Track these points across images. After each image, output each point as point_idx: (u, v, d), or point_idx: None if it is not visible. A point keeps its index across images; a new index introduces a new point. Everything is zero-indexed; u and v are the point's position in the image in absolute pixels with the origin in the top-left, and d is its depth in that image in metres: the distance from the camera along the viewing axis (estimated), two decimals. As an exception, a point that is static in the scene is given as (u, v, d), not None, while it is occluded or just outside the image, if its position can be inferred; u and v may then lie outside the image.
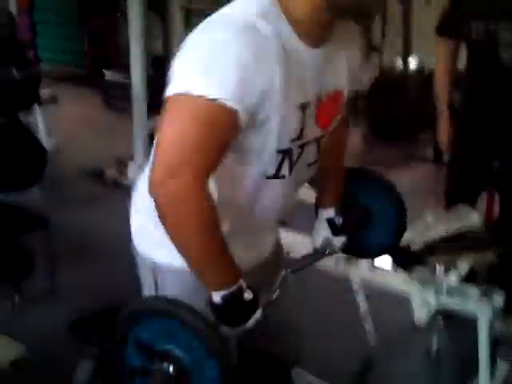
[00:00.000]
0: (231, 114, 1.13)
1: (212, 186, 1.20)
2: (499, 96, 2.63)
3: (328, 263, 2.39)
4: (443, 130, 2.91)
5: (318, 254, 1.61)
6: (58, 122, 5.32)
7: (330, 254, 1.60)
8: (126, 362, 1.21)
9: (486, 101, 2.70)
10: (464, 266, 2.12)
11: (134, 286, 1.57)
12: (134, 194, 1.52)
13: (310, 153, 1.36)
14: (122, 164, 4.68)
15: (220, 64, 1.12)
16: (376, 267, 2.31)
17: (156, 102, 1.37)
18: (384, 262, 2.29)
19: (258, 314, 1.25)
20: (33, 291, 2.95)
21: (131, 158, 4.61)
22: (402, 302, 2.26)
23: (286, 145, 1.27)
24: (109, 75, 7.24)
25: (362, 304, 2.36)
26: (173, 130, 1.15)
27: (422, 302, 2.18)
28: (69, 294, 3.02)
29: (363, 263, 2.31)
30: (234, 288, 1.21)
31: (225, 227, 1.23)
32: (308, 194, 3.11)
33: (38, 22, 8.73)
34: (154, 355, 1.16)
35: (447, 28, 2.78)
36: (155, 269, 1.43)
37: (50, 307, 2.89)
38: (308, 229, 2.65)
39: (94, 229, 3.76)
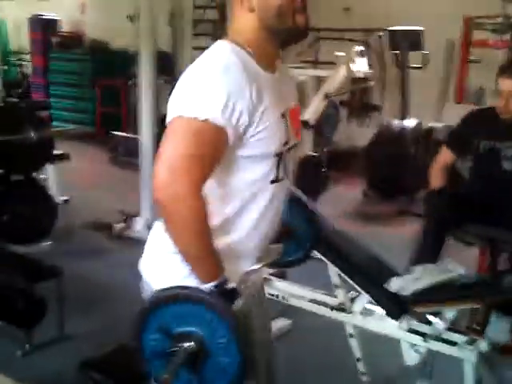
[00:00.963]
0: (220, 130, 1.39)
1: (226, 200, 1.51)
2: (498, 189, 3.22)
3: (323, 311, 2.55)
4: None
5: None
6: (69, 177, 5.52)
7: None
8: (147, 349, 1.43)
9: (485, 190, 3.27)
10: (449, 313, 2.26)
11: None
12: (155, 232, 1.64)
13: (291, 159, 1.62)
14: (128, 218, 4.84)
15: (209, 93, 1.39)
16: (368, 314, 2.45)
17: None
18: (376, 308, 2.43)
19: (240, 301, 1.47)
20: (43, 337, 3.06)
21: (138, 212, 4.80)
22: (394, 345, 2.38)
23: (280, 149, 1.51)
24: (116, 133, 7.50)
25: (355, 349, 2.48)
26: (172, 145, 1.40)
27: (411, 347, 2.31)
28: (77, 340, 3.14)
29: (356, 311, 2.45)
30: (221, 279, 1.45)
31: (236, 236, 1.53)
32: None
33: (51, 83, 9.13)
34: (173, 337, 1.39)
35: (454, 143, 3.43)
36: None
37: (59, 353, 3.01)
38: (305, 281, 2.84)
39: (101, 278, 3.90)
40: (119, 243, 4.63)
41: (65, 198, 5.29)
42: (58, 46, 9.18)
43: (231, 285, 1.47)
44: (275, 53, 1.55)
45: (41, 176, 4.85)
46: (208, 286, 1.44)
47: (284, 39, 1.52)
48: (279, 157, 1.52)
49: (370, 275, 2.45)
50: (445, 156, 3.45)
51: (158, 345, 1.41)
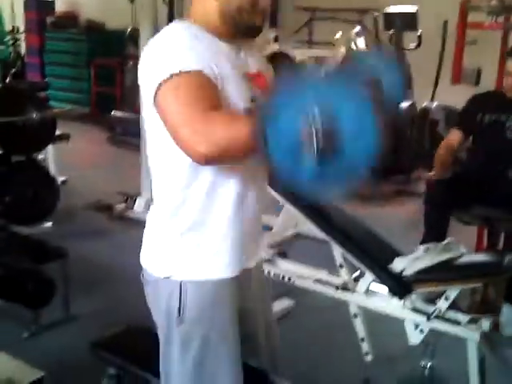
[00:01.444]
0: (199, 73, 1.43)
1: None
2: (499, 160, 3.29)
3: (328, 290, 2.60)
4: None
5: None
6: (66, 157, 5.53)
7: None
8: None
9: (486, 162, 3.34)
10: (452, 293, 2.32)
11: (144, 310, 1.70)
12: (151, 223, 1.67)
13: None
14: (129, 198, 4.87)
15: (173, 52, 1.45)
16: (372, 293, 2.50)
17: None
18: (379, 288, 2.49)
19: None
20: (49, 317, 3.09)
21: (138, 192, 4.83)
22: (397, 325, 2.44)
23: (247, 105, 1.52)
24: (114, 113, 7.50)
25: (359, 328, 2.54)
26: (172, 109, 1.42)
27: (415, 327, 2.37)
28: (83, 320, 3.18)
29: (360, 290, 2.51)
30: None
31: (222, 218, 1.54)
32: (305, 228, 3.34)
33: (46, 63, 9.09)
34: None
35: (463, 122, 3.54)
36: (181, 287, 1.58)
37: (65, 333, 3.05)
38: (307, 260, 2.88)
39: (103, 259, 3.94)
40: (120, 224, 4.67)
41: (63, 178, 5.31)
42: (53, 26, 9.11)
43: None
44: (231, 34, 1.58)
45: (39, 156, 4.86)
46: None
47: (237, 32, 1.58)
48: (249, 113, 1.52)
49: (374, 255, 2.50)
50: (453, 137, 3.53)
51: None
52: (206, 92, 1.43)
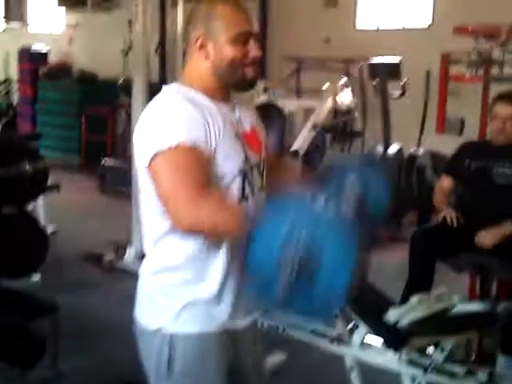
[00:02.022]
0: (194, 149, 1.51)
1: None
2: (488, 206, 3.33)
3: (323, 344, 2.58)
4: None
5: None
6: (57, 208, 5.51)
7: None
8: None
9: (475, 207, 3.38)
10: (447, 344, 2.31)
11: (135, 365, 1.70)
12: (143, 277, 1.69)
13: (257, 177, 1.69)
14: (119, 248, 4.84)
15: (169, 124, 1.52)
16: (367, 346, 2.49)
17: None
18: (374, 340, 2.47)
19: None
20: (37, 374, 3.00)
21: (129, 242, 4.80)
22: (394, 377, 2.41)
23: (240, 166, 1.61)
24: (104, 162, 7.52)
25: (355, 382, 2.51)
26: (166, 185, 1.51)
27: (412, 380, 2.35)
28: (73, 377, 3.10)
29: (355, 343, 2.49)
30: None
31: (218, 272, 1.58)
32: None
33: (38, 112, 9.17)
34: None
35: (452, 169, 3.60)
36: (171, 340, 1.60)
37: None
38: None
39: (93, 312, 3.88)
40: (110, 275, 4.63)
41: (53, 229, 5.27)
42: (46, 76, 9.22)
43: None
44: (226, 92, 1.67)
45: (29, 207, 4.83)
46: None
47: (232, 87, 1.66)
48: (243, 175, 1.61)
49: (368, 306, 2.50)
50: (444, 182, 3.60)
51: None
52: (198, 168, 1.51)
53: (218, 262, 1.59)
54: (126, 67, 7.96)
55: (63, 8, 9.33)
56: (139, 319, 1.69)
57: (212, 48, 1.61)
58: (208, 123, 1.55)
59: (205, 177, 1.53)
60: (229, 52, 1.60)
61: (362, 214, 1.58)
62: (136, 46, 4.84)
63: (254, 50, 1.62)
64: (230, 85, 1.65)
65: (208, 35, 1.61)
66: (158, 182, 1.53)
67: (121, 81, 7.73)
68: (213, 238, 1.56)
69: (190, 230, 1.51)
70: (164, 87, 1.66)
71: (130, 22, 5.05)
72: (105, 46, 8.88)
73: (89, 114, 8.64)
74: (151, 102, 1.62)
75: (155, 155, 1.51)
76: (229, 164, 1.58)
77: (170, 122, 1.53)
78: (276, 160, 1.90)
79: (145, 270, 1.68)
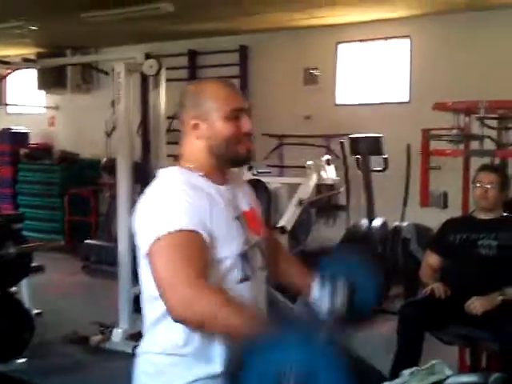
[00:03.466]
0: (194, 234, 1.53)
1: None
2: (474, 277, 3.37)
3: None
4: None
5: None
6: (42, 289, 5.47)
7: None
8: None
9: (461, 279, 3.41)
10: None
11: None
12: (141, 356, 1.69)
13: (258, 256, 1.72)
14: (106, 329, 4.79)
15: (170, 208, 1.54)
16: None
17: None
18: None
19: None
20: None
21: (115, 322, 4.75)
22: None
23: (241, 248, 1.62)
24: (88, 241, 7.51)
25: None
26: (164, 270, 1.51)
27: None
28: None
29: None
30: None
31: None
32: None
33: (19, 193, 9.18)
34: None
35: (436, 244, 3.69)
36: None
37: None
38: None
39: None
40: (97, 356, 4.55)
41: (37, 311, 5.21)
42: (27, 157, 9.28)
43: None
44: (222, 170, 1.72)
45: (12, 289, 4.80)
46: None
47: (227, 163, 1.70)
48: (244, 256, 1.63)
49: (360, 381, 2.49)
50: (430, 259, 3.67)
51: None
52: (197, 256, 1.52)
53: (219, 342, 1.59)
54: (109, 147, 8.06)
55: (43, 90, 9.44)
56: None
57: (206, 128, 1.65)
58: (208, 208, 1.58)
59: (204, 266, 1.53)
60: (223, 129, 1.64)
61: (351, 310, 1.67)
62: (120, 127, 4.88)
63: (246, 125, 1.68)
64: (225, 162, 1.69)
65: (201, 115, 1.65)
66: (156, 267, 1.52)
67: (103, 161, 7.81)
68: (207, 331, 1.54)
69: (185, 319, 1.49)
70: (162, 171, 1.69)
71: (113, 103, 5.15)
72: (86, 127, 9.01)
73: (71, 194, 8.70)
74: (150, 187, 1.64)
75: (154, 241, 1.52)
76: (229, 247, 1.60)
77: (169, 208, 1.55)
78: (271, 240, 1.93)
79: (143, 350, 1.68)
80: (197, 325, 1.50)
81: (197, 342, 1.59)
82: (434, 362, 2.53)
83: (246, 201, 1.76)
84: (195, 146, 1.68)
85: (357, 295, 1.71)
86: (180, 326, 1.57)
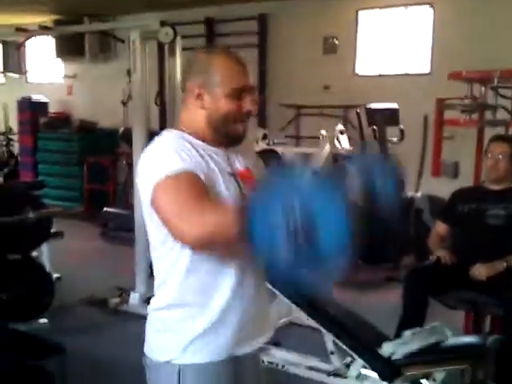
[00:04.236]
0: (190, 173, 1.58)
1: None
2: (481, 246, 3.45)
3: (320, 377, 2.67)
4: None
5: None
6: (61, 255, 5.62)
7: None
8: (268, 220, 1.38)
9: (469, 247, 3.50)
10: (439, 375, 2.40)
11: None
12: (151, 313, 1.78)
13: None
14: (123, 292, 4.93)
15: (165, 156, 1.60)
16: (363, 378, 2.58)
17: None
18: (370, 373, 2.57)
19: None
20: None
21: (132, 286, 4.89)
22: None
23: (236, 202, 1.63)
24: (106, 209, 7.66)
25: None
26: (168, 206, 1.56)
27: (406, 410, 2.44)
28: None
29: (351, 376, 2.58)
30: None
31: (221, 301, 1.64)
32: (299, 316, 3.43)
33: (39, 162, 9.34)
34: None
35: (445, 214, 3.77)
36: (180, 370, 1.68)
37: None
38: (300, 347, 2.96)
39: (99, 354, 3.94)
40: (116, 318, 4.70)
41: (57, 275, 5.37)
42: (46, 126, 9.40)
43: None
44: (219, 142, 1.74)
45: (34, 254, 4.95)
46: None
47: (223, 139, 1.73)
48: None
49: (363, 341, 2.60)
50: (439, 228, 3.75)
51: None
52: (196, 187, 1.57)
53: (223, 292, 1.67)
54: (126, 117, 8.16)
55: (61, 59, 9.51)
56: (148, 353, 1.77)
57: (208, 99, 1.69)
58: (202, 159, 1.65)
59: (203, 192, 1.58)
60: (224, 105, 1.68)
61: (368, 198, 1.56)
62: (135, 96, 4.91)
63: (248, 105, 1.70)
64: (220, 136, 1.72)
65: (205, 86, 1.69)
66: (161, 208, 1.57)
67: (121, 130, 7.90)
68: (218, 248, 1.59)
69: (194, 241, 1.52)
70: (163, 132, 1.75)
71: (129, 72, 5.14)
72: (104, 96, 9.07)
73: (90, 162, 8.83)
74: (149, 145, 1.70)
75: (155, 187, 1.58)
76: (224, 200, 1.64)
77: (166, 156, 1.61)
78: None
79: (152, 307, 1.78)
80: (209, 240, 1.51)
81: (202, 296, 1.66)
82: (435, 324, 2.64)
83: (242, 163, 1.79)
84: (196, 114, 1.72)
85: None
86: (185, 282, 1.65)
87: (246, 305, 1.72)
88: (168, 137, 1.70)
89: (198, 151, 1.66)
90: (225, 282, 1.67)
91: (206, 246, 1.58)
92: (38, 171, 9.36)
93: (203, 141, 1.71)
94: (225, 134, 1.72)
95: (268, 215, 1.37)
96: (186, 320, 1.68)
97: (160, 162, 1.61)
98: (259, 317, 1.81)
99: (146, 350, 1.78)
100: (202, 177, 1.62)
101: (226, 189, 1.67)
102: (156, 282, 1.76)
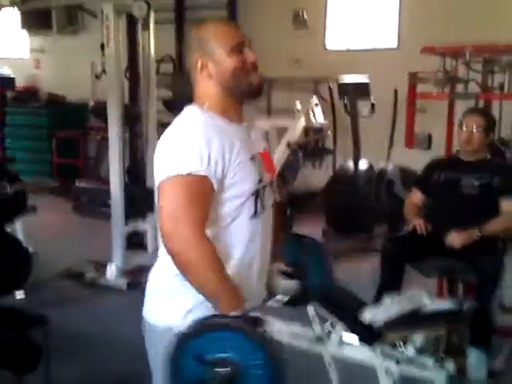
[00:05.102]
0: (203, 178, 1.63)
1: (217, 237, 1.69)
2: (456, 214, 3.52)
3: (302, 343, 2.73)
4: None
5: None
6: (35, 229, 5.58)
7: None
8: (183, 376, 1.53)
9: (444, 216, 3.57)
10: (417, 339, 2.49)
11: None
12: (154, 278, 1.84)
13: (269, 194, 1.84)
14: (99, 266, 4.94)
15: (185, 151, 1.63)
16: (344, 343, 2.65)
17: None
18: (351, 338, 2.64)
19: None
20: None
21: (108, 259, 4.90)
22: (370, 372, 2.58)
23: (255, 187, 1.73)
24: (78, 183, 7.61)
25: (334, 377, 2.68)
26: (168, 201, 1.63)
27: (386, 372, 2.53)
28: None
29: (333, 341, 2.66)
30: (244, 309, 1.63)
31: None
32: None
33: (7, 136, 9.18)
34: (209, 364, 1.49)
35: (420, 183, 3.82)
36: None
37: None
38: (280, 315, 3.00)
39: (78, 327, 3.97)
40: (92, 291, 4.72)
41: (32, 249, 5.33)
42: (14, 101, 9.24)
43: (254, 314, 1.65)
44: (238, 108, 1.79)
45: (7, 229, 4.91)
46: (233, 315, 1.58)
47: (241, 97, 1.77)
48: (256, 194, 1.75)
49: (344, 307, 2.67)
50: (414, 196, 3.81)
51: (194, 371, 1.52)
52: (202, 203, 1.63)
53: (227, 265, 1.70)
54: (95, 90, 8.06)
55: (27, 32, 9.31)
56: (147, 317, 1.82)
57: (213, 65, 1.72)
58: (226, 149, 1.67)
59: (206, 215, 1.64)
60: (229, 63, 1.71)
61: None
62: (109, 70, 4.91)
63: (250, 56, 1.74)
64: (239, 96, 1.75)
65: (206, 54, 1.72)
66: (162, 201, 1.64)
67: (91, 104, 7.82)
68: (184, 275, 1.65)
69: (173, 253, 1.62)
70: (186, 109, 1.77)
71: (103, 46, 5.12)
72: (72, 70, 8.97)
73: (59, 136, 8.73)
74: (174, 123, 1.73)
75: (165, 179, 1.64)
76: (244, 185, 1.71)
77: (184, 150, 1.64)
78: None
79: (156, 272, 1.82)
80: (183, 265, 1.62)
81: None
82: (413, 291, 2.72)
83: (261, 142, 1.86)
84: (208, 85, 1.74)
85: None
86: None
87: (249, 280, 1.80)
88: (192, 121, 1.71)
89: (222, 140, 1.67)
90: (231, 254, 1.74)
91: (175, 264, 1.65)
92: (6, 146, 9.21)
93: (224, 115, 1.73)
94: (241, 92, 1.75)
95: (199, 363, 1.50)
96: (190, 288, 1.71)
97: (178, 154, 1.64)
98: (261, 286, 1.91)
99: (145, 314, 1.82)
100: (215, 180, 1.65)
101: (246, 176, 1.72)
102: (161, 247, 1.77)
